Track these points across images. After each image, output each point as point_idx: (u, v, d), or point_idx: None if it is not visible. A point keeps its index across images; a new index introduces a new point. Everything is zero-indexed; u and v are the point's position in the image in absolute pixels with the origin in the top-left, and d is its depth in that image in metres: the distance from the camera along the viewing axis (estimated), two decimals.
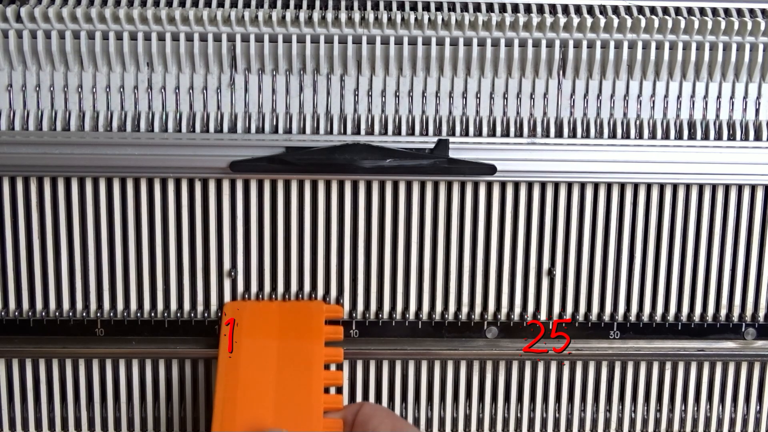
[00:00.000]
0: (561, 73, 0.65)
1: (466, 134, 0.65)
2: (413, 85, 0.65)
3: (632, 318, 0.68)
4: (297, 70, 0.65)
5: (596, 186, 0.66)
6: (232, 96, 0.65)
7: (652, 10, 0.66)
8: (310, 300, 0.67)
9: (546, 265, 0.67)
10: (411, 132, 0.65)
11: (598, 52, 0.65)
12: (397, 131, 0.65)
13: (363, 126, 0.65)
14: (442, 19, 0.64)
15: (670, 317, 0.68)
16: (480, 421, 0.70)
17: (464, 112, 0.65)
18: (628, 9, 0.66)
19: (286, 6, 0.65)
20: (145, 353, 0.67)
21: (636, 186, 0.66)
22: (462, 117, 0.65)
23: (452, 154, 0.64)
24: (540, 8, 0.66)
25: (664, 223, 0.67)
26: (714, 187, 0.67)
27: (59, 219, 0.65)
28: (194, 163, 0.64)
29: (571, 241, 0.67)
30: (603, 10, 0.66)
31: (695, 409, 0.71)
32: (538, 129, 0.65)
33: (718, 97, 0.66)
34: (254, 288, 0.67)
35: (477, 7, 0.66)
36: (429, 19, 0.64)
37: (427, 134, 0.65)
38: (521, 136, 0.65)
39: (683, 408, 0.71)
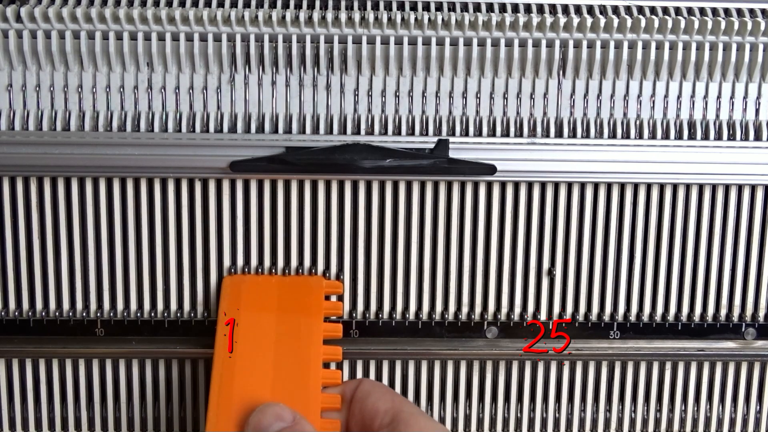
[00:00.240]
0: (561, 73, 0.65)
1: (466, 134, 0.65)
2: (413, 85, 0.65)
3: (632, 318, 0.68)
4: (297, 70, 0.65)
5: (596, 186, 0.66)
6: (232, 96, 0.65)
7: (652, 10, 0.66)
8: (309, 275, 0.66)
9: (546, 265, 0.67)
10: (411, 132, 0.65)
11: (598, 52, 0.65)
12: (397, 131, 0.65)
13: (363, 126, 0.65)
14: (442, 19, 0.64)
15: (670, 317, 0.68)
16: (480, 421, 0.70)
17: (464, 112, 0.65)
18: (628, 9, 0.66)
19: (286, 6, 0.65)
20: (145, 353, 0.67)
21: (636, 186, 0.66)
22: (462, 117, 0.65)
23: (452, 154, 0.64)
24: (540, 8, 0.66)
25: (664, 223, 0.67)
26: (714, 187, 0.67)
27: (59, 219, 0.65)
28: (194, 163, 0.64)
29: (571, 241, 0.67)
30: (603, 10, 0.66)
31: (695, 409, 0.71)
32: (538, 129, 0.65)
33: (718, 97, 0.66)
34: None
35: (477, 7, 0.66)
36: (429, 19, 0.64)
37: (427, 134, 0.65)
38: (521, 136, 0.65)
39: (683, 408, 0.71)
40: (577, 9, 0.66)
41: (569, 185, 0.66)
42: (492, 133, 0.65)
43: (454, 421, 0.70)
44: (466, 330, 0.68)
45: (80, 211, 0.65)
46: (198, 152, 0.63)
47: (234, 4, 0.65)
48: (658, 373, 0.70)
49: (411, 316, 0.68)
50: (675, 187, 0.66)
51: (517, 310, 0.68)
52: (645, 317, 0.68)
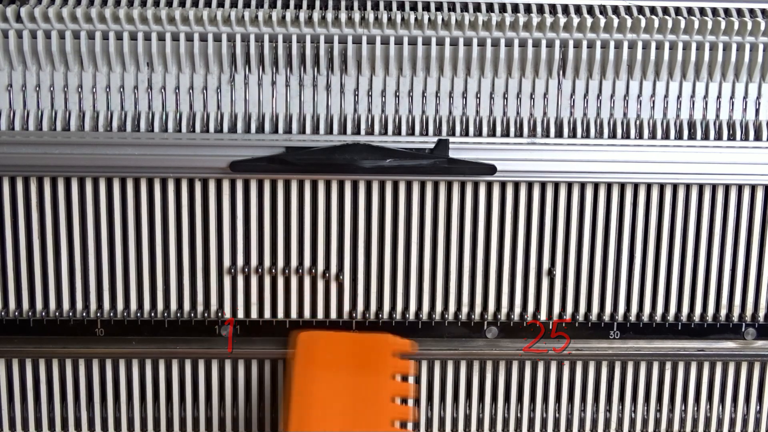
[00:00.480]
0: (561, 73, 0.65)
1: (466, 134, 0.65)
2: (413, 85, 0.65)
3: (632, 318, 0.68)
4: (297, 70, 0.65)
5: (596, 186, 0.66)
6: (232, 96, 0.65)
7: (652, 10, 0.66)
8: (379, 333, 0.67)
9: (546, 265, 0.67)
10: (411, 132, 0.65)
11: (598, 52, 0.65)
12: (397, 131, 0.65)
13: (363, 126, 0.65)
14: (442, 19, 0.64)
15: (670, 317, 0.68)
16: (480, 421, 0.70)
17: (464, 112, 0.65)
18: (628, 9, 0.66)
19: (286, 6, 0.65)
20: (145, 353, 0.67)
21: (636, 186, 0.66)
22: (462, 117, 0.65)
23: (452, 154, 0.64)
24: (540, 8, 0.66)
25: (664, 223, 0.67)
26: (714, 187, 0.67)
27: (59, 219, 0.65)
28: (194, 163, 0.64)
29: (571, 241, 0.67)
30: (603, 10, 0.66)
31: (695, 409, 0.71)
32: (538, 129, 0.65)
33: (718, 97, 0.66)
34: (254, 288, 0.67)
35: (477, 7, 0.66)
36: (429, 19, 0.64)
37: (427, 134, 0.65)
38: (521, 136, 0.65)
39: (683, 408, 0.71)
40: (577, 9, 0.66)
41: (569, 185, 0.66)
42: (492, 133, 0.65)
43: (454, 421, 0.70)
44: (466, 330, 0.68)
45: (80, 211, 0.65)
46: (198, 152, 0.63)
47: (234, 4, 0.65)
48: (658, 373, 0.70)
49: (411, 316, 0.68)
50: (675, 187, 0.66)
51: (517, 310, 0.68)
52: (645, 317, 0.68)
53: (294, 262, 0.67)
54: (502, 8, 0.66)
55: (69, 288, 0.66)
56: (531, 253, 0.67)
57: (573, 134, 0.65)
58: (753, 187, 0.67)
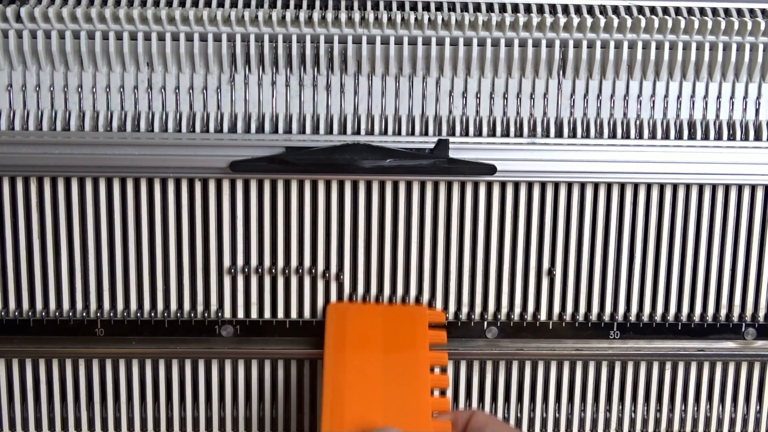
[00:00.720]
0: (561, 73, 0.65)
1: (466, 134, 0.65)
2: (413, 85, 0.65)
3: (632, 318, 0.68)
4: (297, 70, 0.65)
5: (596, 186, 0.66)
6: (232, 96, 0.65)
7: (652, 10, 0.66)
8: (413, 305, 0.67)
9: (546, 265, 0.67)
10: (411, 132, 0.65)
11: (598, 52, 0.65)
12: (397, 131, 0.65)
13: (363, 126, 0.65)
14: (442, 19, 0.64)
15: (670, 317, 0.68)
16: None
17: (464, 112, 0.65)
18: (628, 9, 0.66)
19: (286, 6, 0.65)
20: (145, 353, 0.67)
21: (636, 186, 0.66)
22: (462, 117, 0.65)
23: (452, 154, 0.64)
24: (540, 8, 0.66)
25: (664, 223, 0.67)
26: (714, 187, 0.67)
27: (59, 219, 0.65)
28: (194, 163, 0.64)
29: (571, 241, 0.67)
30: (603, 10, 0.66)
31: (695, 409, 0.71)
32: (538, 129, 0.65)
33: (718, 97, 0.66)
34: (254, 288, 0.67)
35: (477, 7, 0.66)
36: (429, 19, 0.64)
37: (427, 134, 0.65)
38: (521, 136, 0.65)
39: (683, 408, 0.71)
40: (577, 9, 0.66)
41: (569, 185, 0.66)
42: (492, 133, 0.65)
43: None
44: (466, 330, 0.68)
45: (80, 211, 0.65)
46: (198, 152, 0.63)
47: (234, 4, 0.65)
48: (658, 373, 0.70)
49: None
50: (675, 187, 0.66)
51: (517, 310, 0.68)
52: (645, 317, 0.68)
53: (294, 262, 0.67)
54: (502, 8, 0.66)
55: (69, 288, 0.66)
56: (531, 253, 0.67)
57: (573, 134, 0.65)
58: (753, 187, 0.67)
